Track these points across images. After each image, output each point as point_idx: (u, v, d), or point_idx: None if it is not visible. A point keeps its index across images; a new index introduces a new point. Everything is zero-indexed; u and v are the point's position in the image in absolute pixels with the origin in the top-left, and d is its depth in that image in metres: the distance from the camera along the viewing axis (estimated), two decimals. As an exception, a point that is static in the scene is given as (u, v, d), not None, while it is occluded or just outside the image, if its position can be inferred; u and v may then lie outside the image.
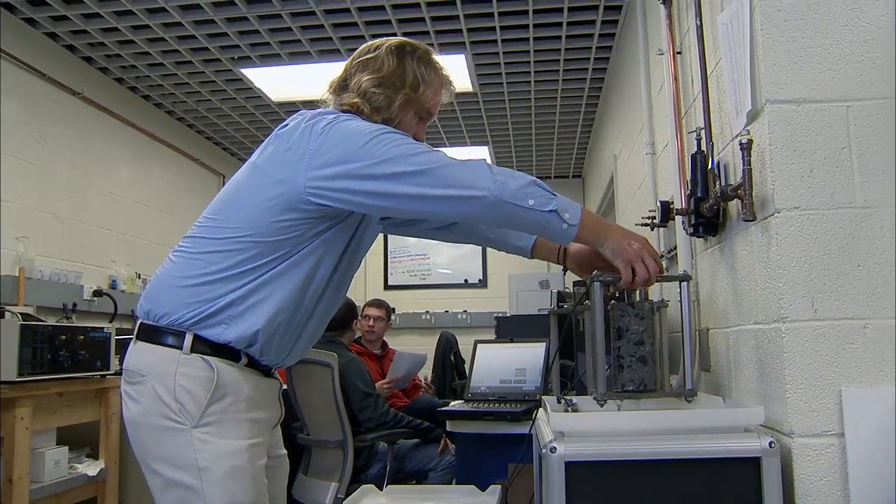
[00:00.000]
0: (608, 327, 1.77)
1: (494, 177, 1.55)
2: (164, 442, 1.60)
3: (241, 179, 1.74)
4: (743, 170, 1.68)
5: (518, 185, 1.56)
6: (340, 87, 1.84)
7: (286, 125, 1.72)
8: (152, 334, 1.67)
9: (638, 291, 1.82)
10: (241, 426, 1.63)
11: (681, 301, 1.82)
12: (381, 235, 8.12)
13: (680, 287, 1.81)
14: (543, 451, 1.57)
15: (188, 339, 1.62)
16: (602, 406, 1.72)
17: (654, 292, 2.88)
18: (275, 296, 1.65)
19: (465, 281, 7.95)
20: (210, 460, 1.57)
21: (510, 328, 4.19)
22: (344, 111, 1.75)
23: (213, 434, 1.59)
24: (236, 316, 1.63)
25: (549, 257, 2.06)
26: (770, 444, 1.53)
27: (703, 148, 2.09)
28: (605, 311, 1.74)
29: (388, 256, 8.06)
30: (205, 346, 1.63)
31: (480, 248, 7.97)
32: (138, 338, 1.70)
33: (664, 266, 2.90)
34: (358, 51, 1.87)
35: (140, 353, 1.68)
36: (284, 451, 1.94)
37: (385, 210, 1.67)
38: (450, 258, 8.02)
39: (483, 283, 7.92)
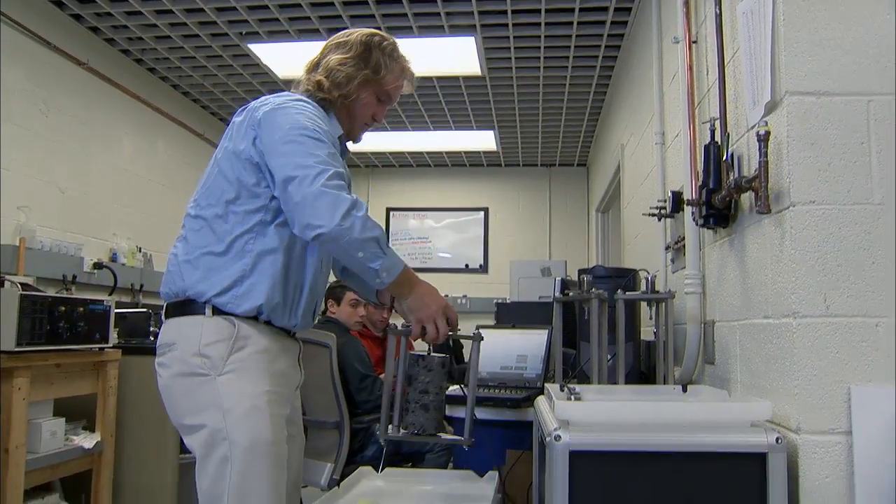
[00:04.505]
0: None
1: (344, 221, 1.69)
2: (192, 394, 1.79)
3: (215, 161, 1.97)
4: (759, 161, 1.66)
5: (359, 237, 1.71)
6: (312, 67, 2.05)
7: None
8: (177, 308, 1.87)
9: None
10: (261, 375, 1.81)
11: (471, 356, 1.96)
12: (382, 218, 7.97)
13: (472, 347, 1.96)
14: (547, 439, 1.56)
15: (209, 306, 1.83)
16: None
17: (661, 285, 2.87)
18: (266, 275, 1.84)
19: (466, 266, 7.93)
20: (232, 401, 1.75)
21: (510, 314, 4.17)
22: (308, 90, 1.99)
23: (235, 379, 1.78)
24: (241, 295, 1.83)
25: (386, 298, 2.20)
26: (777, 440, 1.52)
27: (717, 139, 2.06)
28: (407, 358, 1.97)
29: (390, 239, 8.03)
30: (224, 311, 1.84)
31: (482, 233, 7.97)
32: (167, 316, 1.89)
33: (671, 257, 2.89)
34: (333, 36, 2.10)
35: (169, 327, 1.88)
36: (302, 424, 2.10)
37: None
38: (451, 243, 7.99)
39: (483, 269, 7.90)
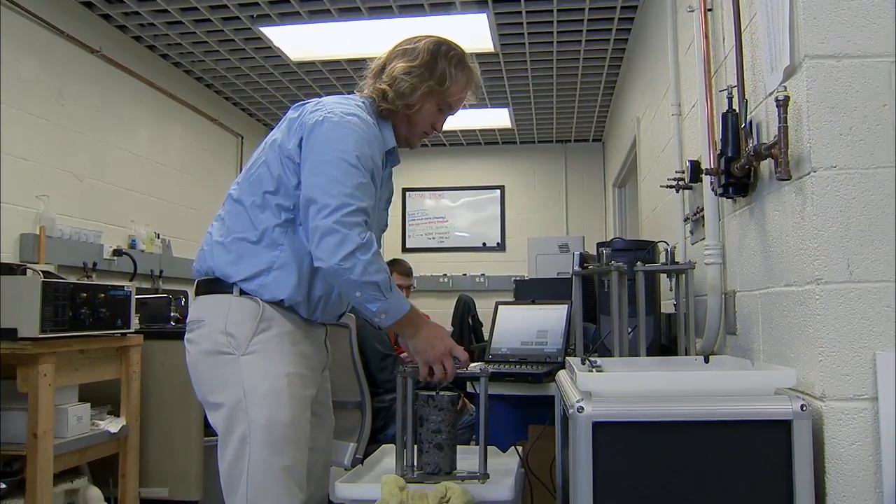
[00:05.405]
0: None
1: (344, 262, 1.73)
2: (217, 371, 1.84)
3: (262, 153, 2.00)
4: (778, 127, 1.64)
5: (357, 280, 1.75)
6: (378, 72, 2.03)
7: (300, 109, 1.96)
8: (207, 286, 1.93)
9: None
10: (284, 356, 1.86)
11: (479, 396, 2.01)
12: (398, 198, 7.95)
13: (480, 384, 2.01)
14: (570, 410, 1.55)
15: (236, 287, 1.88)
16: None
17: (680, 256, 2.85)
18: (292, 273, 1.88)
19: (483, 244, 7.93)
20: (253, 381, 1.81)
21: (529, 291, 4.15)
22: (372, 97, 1.99)
23: (258, 360, 1.83)
24: (265, 285, 1.87)
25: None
26: (802, 407, 1.51)
27: (735, 107, 2.04)
28: (413, 400, 2.02)
29: (406, 219, 8.03)
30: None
31: (499, 211, 7.95)
32: (196, 294, 1.95)
33: (690, 229, 2.87)
34: (400, 41, 2.06)
35: (198, 304, 1.94)
36: (331, 405, 2.14)
37: None
38: (468, 222, 7.99)
39: (501, 247, 7.89)
